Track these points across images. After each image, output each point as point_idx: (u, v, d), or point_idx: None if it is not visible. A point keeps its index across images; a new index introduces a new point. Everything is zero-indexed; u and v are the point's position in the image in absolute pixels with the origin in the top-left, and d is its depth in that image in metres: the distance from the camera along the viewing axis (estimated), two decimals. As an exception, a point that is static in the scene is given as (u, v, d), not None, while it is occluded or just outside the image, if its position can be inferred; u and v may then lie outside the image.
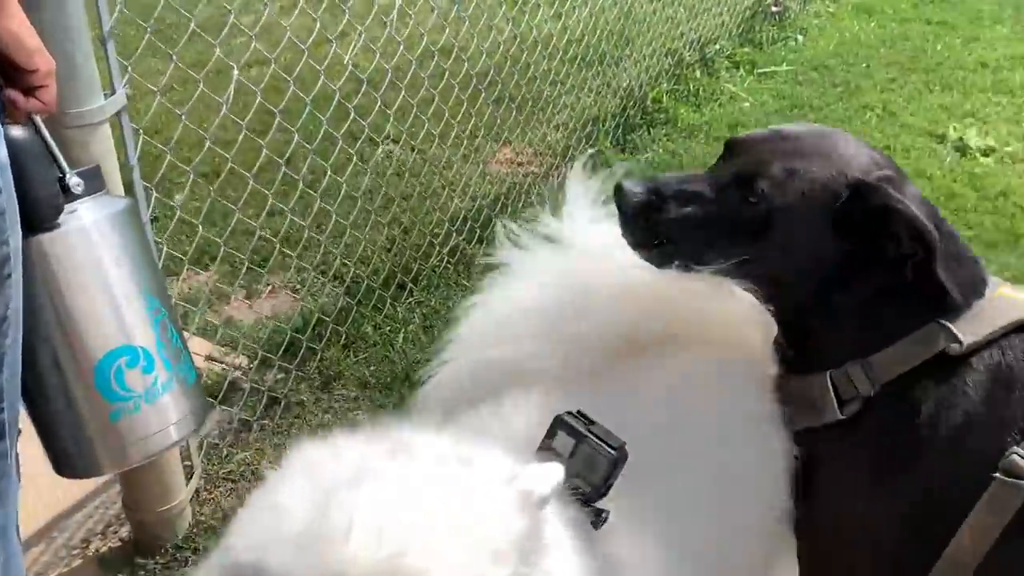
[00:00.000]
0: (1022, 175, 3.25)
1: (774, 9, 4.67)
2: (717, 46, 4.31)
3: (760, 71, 4.28)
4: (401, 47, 2.99)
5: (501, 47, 3.37)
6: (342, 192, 2.69)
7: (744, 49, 4.44)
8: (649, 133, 3.73)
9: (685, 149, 3.59)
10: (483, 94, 3.24)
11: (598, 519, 1.00)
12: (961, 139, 3.45)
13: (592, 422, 1.03)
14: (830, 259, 1.15)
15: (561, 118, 3.63)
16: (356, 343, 2.52)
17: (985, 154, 3.38)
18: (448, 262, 2.88)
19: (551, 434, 1.03)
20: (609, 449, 1.01)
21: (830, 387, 1.17)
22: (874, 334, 1.15)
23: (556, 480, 0.84)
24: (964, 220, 2.95)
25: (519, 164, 3.52)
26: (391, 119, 3.11)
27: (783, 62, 4.36)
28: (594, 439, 1.01)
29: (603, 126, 3.60)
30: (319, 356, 2.44)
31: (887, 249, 1.13)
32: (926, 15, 4.96)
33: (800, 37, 4.66)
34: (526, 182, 3.33)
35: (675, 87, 4.01)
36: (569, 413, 1.04)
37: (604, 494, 1.01)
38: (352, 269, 2.73)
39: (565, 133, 3.58)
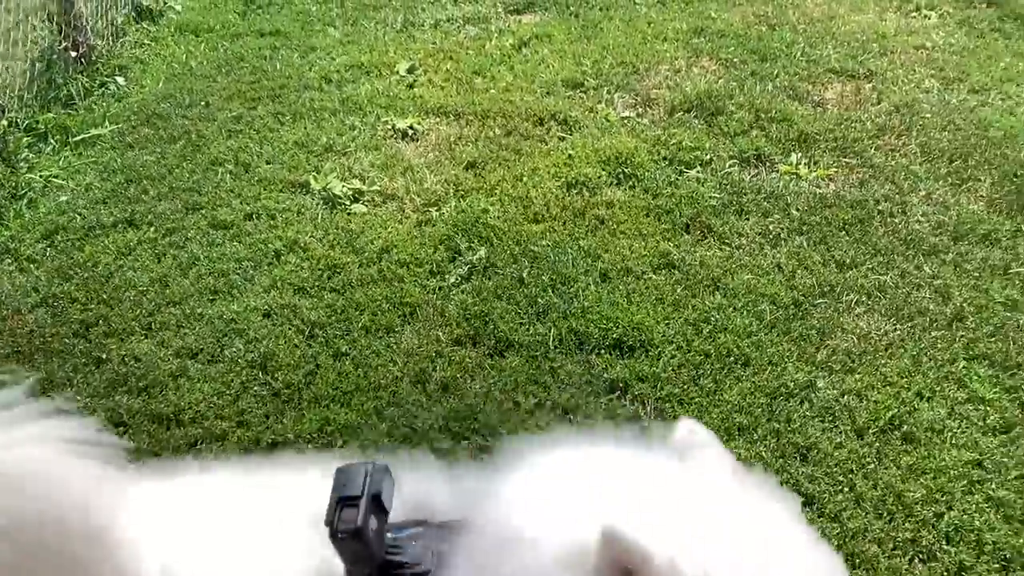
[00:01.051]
0: (399, 217, 2.95)
1: (74, 54, 3.75)
2: (5, 120, 3.29)
3: (77, 139, 3.39)
4: None
5: None
6: None
7: (49, 114, 3.49)
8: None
9: (-11, 290, 2.60)
10: None
11: None
12: (326, 188, 3.03)
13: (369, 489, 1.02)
14: None
15: None
16: None
17: (355, 200, 3.02)
18: None
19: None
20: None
21: None
22: None
23: None
24: (354, 301, 2.54)
25: None
26: None
27: (105, 120, 3.52)
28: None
29: None
30: None
31: None
32: (257, 26, 4.47)
33: (121, 80, 3.84)
34: None
35: (-46, 197, 2.93)
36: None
37: None
38: None
39: None
